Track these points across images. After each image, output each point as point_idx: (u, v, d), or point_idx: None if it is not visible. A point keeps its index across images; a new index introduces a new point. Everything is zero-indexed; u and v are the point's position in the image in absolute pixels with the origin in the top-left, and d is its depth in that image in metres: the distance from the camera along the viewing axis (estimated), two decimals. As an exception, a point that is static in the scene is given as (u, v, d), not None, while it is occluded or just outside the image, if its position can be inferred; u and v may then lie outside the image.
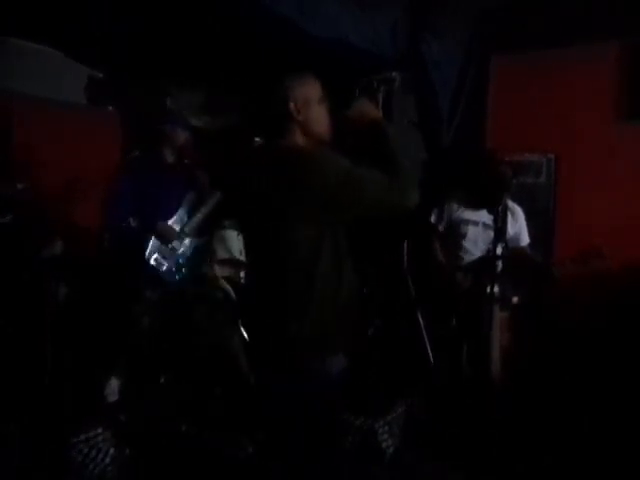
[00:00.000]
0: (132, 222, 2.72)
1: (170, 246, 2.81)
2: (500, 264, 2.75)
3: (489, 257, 2.70)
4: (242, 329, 2.84)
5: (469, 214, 2.79)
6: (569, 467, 2.49)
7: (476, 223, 2.78)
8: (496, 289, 2.75)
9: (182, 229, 2.86)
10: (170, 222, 2.84)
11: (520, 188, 3.12)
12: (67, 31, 2.87)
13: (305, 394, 1.46)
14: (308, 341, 1.44)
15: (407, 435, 2.82)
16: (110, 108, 3.66)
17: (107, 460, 2.41)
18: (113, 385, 2.80)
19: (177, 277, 2.83)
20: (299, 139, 1.49)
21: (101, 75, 3.54)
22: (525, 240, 2.86)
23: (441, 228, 2.85)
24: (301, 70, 1.54)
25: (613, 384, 2.89)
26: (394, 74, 1.94)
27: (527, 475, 2.45)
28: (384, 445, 2.73)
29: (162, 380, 2.96)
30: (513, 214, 2.82)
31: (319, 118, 1.50)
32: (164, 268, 2.80)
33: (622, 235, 2.92)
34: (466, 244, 2.78)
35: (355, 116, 1.52)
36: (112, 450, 2.44)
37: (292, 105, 1.46)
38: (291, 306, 1.46)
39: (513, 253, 2.74)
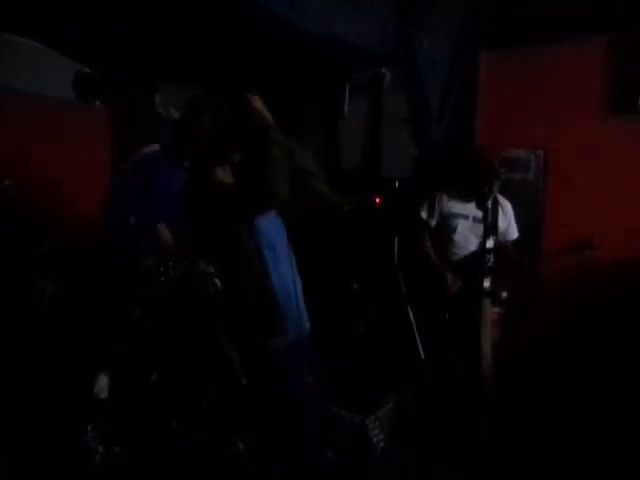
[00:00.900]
0: (132, 220, 2.68)
1: (165, 251, 2.78)
2: (491, 258, 2.77)
3: (480, 251, 2.73)
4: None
5: (459, 208, 2.80)
6: (566, 465, 2.51)
7: (466, 217, 2.79)
8: (487, 284, 2.80)
9: (182, 235, 2.81)
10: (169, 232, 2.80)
11: (508, 184, 3.15)
12: (55, 26, 2.83)
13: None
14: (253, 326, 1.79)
15: (403, 433, 2.84)
16: (98, 104, 3.62)
17: (96, 458, 2.41)
18: (103, 383, 2.77)
19: (163, 279, 2.80)
20: None
21: (88, 71, 3.49)
22: (513, 235, 2.88)
23: (433, 223, 2.86)
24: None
25: (607, 380, 2.92)
26: (384, 71, 1.96)
27: (524, 473, 2.47)
28: (375, 440, 2.75)
29: (153, 377, 2.95)
30: (503, 209, 2.84)
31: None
32: (153, 269, 2.77)
33: (610, 230, 2.95)
34: (457, 238, 2.80)
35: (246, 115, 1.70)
36: (101, 448, 2.43)
37: None
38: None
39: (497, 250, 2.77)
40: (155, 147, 2.82)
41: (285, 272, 1.77)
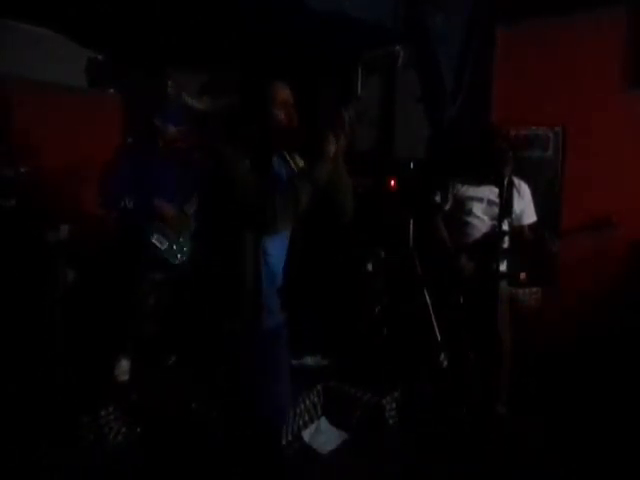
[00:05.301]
0: (127, 203, 2.76)
1: (170, 225, 2.85)
2: (507, 240, 2.73)
3: (495, 233, 2.68)
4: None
5: (473, 191, 2.76)
6: (582, 447, 2.48)
7: (480, 200, 2.74)
8: (503, 266, 2.75)
9: (181, 209, 2.88)
10: (169, 204, 2.87)
11: (527, 162, 3.08)
12: (68, 13, 2.84)
13: None
14: None
15: (419, 415, 2.84)
16: (111, 91, 3.64)
17: (118, 438, 2.47)
18: (124, 365, 2.84)
19: (179, 256, 2.87)
20: None
21: (101, 58, 3.51)
22: (530, 218, 2.81)
23: (447, 207, 2.81)
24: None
25: (627, 370, 2.86)
26: (397, 49, 1.89)
27: (540, 453, 2.46)
28: (391, 421, 2.76)
29: (172, 360, 3.00)
30: (519, 191, 2.78)
31: None
32: (165, 247, 2.84)
33: (630, 208, 2.87)
34: (472, 221, 2.76)
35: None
36: (123, 428, 2.49)
37: None
38: None
39: (512, 232, 2.71)
40: (132, 139, 3.02)
41: (276, 259, 1.71)
